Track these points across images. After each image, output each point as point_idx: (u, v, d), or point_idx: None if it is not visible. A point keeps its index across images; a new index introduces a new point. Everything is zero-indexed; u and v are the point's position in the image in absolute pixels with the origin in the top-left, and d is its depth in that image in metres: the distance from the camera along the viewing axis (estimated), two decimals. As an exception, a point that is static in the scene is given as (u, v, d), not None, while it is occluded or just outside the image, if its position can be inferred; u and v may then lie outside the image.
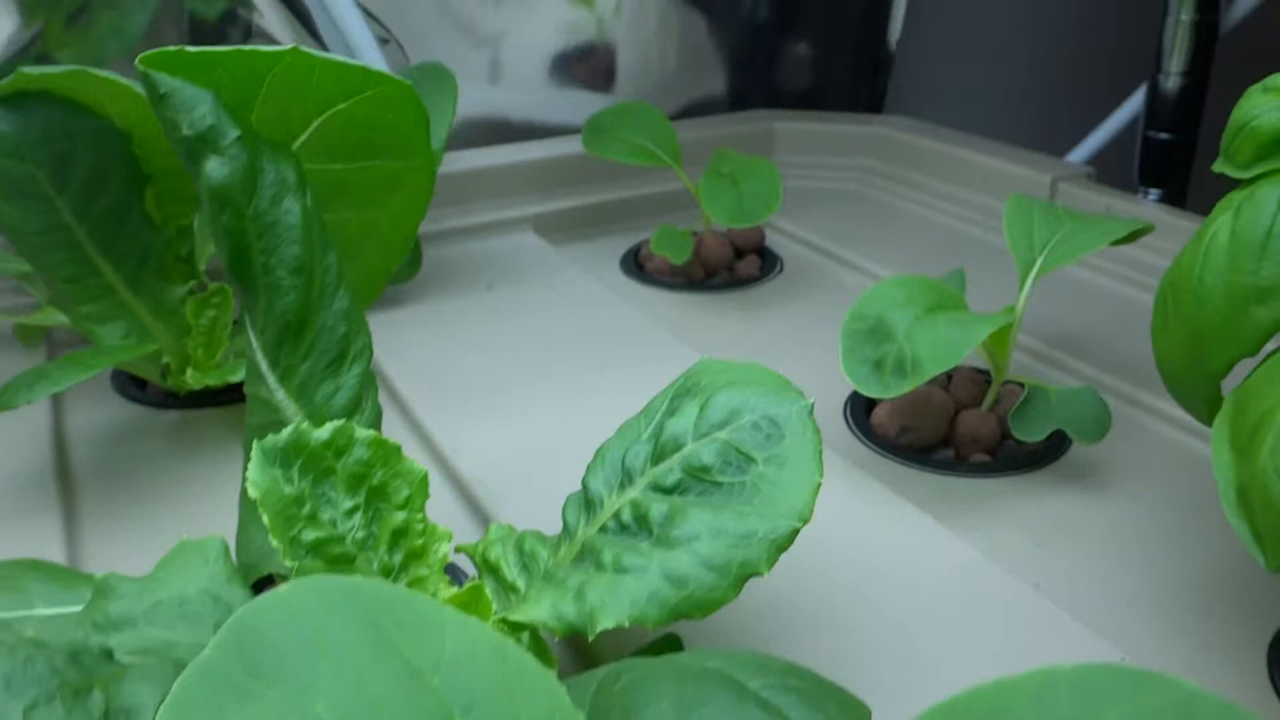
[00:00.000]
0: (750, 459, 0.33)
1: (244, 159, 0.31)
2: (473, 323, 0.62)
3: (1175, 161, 0.86)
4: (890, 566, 0.42)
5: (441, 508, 0.47)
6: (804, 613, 0.40)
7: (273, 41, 0.73)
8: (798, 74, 0.95)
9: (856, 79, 0.96)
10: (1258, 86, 0.38)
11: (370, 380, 0.37)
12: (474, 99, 0.83)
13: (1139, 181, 0.89)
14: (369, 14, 0.75)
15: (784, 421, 0.34)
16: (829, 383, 0.56)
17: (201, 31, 0.70)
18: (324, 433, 0.33)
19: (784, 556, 0.31)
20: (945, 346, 0.44)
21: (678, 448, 0.34)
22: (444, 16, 0.80)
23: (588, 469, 0.36)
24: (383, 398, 0.55)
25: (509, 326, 0.62)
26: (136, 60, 0.31)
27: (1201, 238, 0.37)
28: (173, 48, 0.32)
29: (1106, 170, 0.84)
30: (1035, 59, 1.07)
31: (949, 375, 0.54)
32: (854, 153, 0.86)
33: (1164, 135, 0.85)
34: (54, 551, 0.43)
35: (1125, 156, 0.91)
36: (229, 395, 0.55)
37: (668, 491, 0.34)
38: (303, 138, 0.35)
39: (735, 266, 0.71)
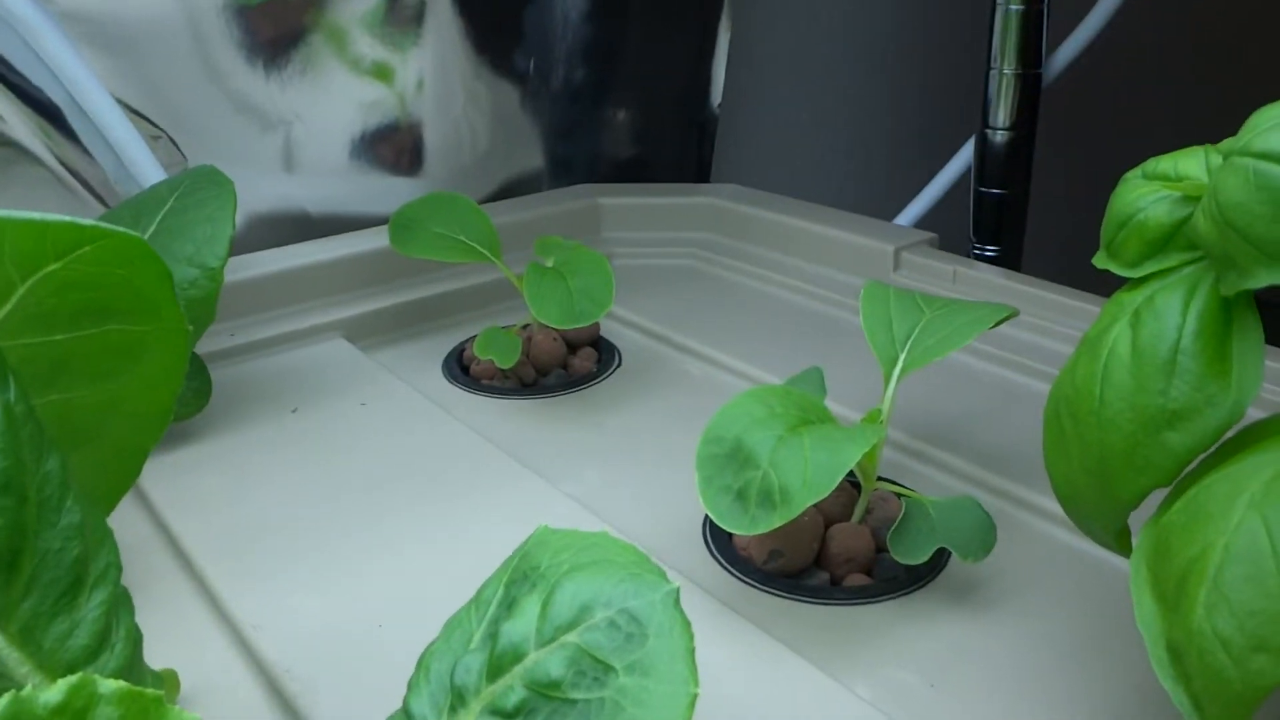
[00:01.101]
0: (608, 667, 0.27)
1: (-91, 358, 0.24)
2: (274, 458, 0.54)
3: (1009, 217, 0.84)
4: (776, 739, 0.36)
5: (244, 705, 0.39)
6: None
7: (20, 150, 0.63)
8: (620, 142, 0.90)
9: (681, 145, 0.91)
10: (1136, 173, 0.34)
11: (120, 603, 0.29)
12: (267, 192, 0.75)
13: (973, 238, 0.87)
14: (134, 111, 0.67)
15: (646, 616, 0.28)
16: (685, 495, 0.51)
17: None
18: (55, 694, 0.25)
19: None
20: (816, 472, 0.39)
21: (518, 658, 0.28)
22: (226, 104, 0.71)
23: (410, 684, 0.29)
24: (172, 565, 0.47)
25: (318, 459, 0.54)
26: None
27: (1097, 350, 0.32)
28: None
29: (939, 226, 0.82)
30: (859, 116, 1.06)
31: (815, 485, 0.49)
32: (685, 226, 0.82)
33: (995, 190, 0.84)
34: None
35: (959, 212, 0.89)
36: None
37: (509, 716, 0.27)
38: (3, 310, 0.27)
39: (569, 363, 0.65)
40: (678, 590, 0.28)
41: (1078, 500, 0.34)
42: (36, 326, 0.29)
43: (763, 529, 0.39)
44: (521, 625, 0.28)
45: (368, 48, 0.75)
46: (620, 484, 0.53)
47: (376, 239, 0.70)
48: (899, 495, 0.46)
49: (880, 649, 0.41)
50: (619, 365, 0.65)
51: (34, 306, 0.28)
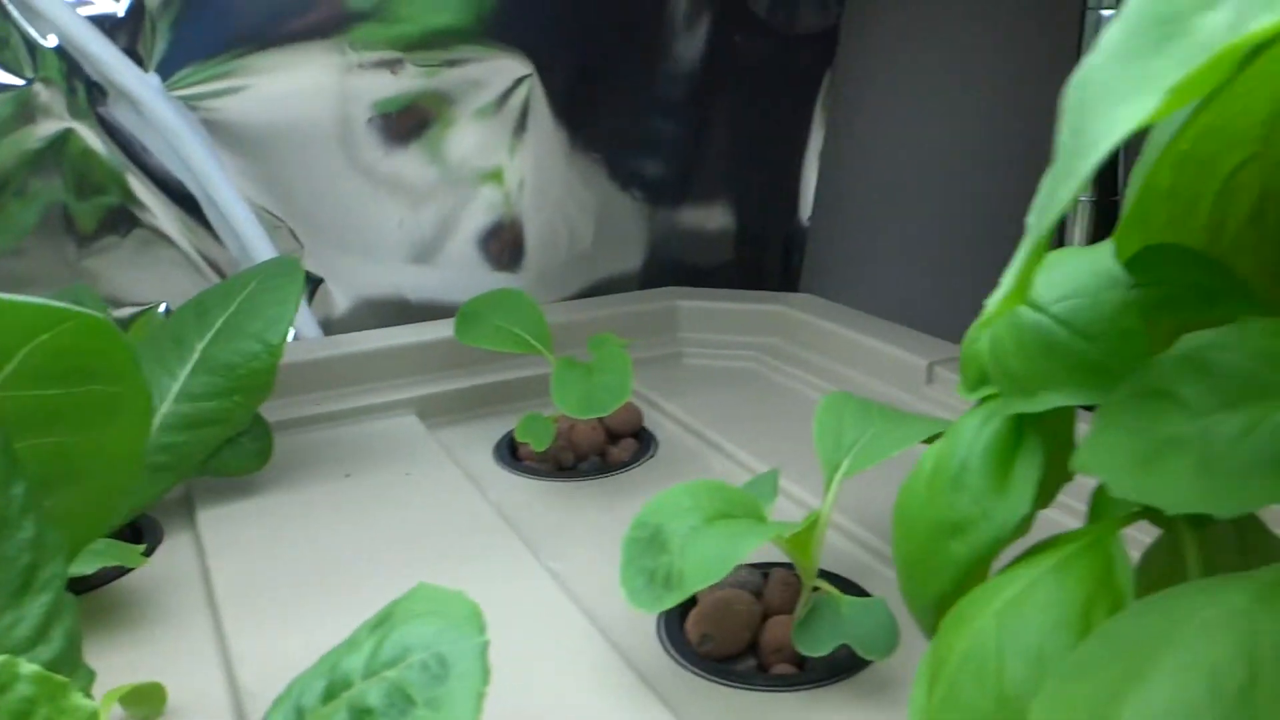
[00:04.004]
0: (412, 700, 0.32)
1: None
2: (315, 516, 0.61)
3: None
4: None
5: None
6: None
7: (160, 235, 0.75)
8: (710, 250, 0.96)
9: (770, 255, 0.96)
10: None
11: (63, 608, 0.36)
12: (373, 279, 0.84)
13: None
14: (265, 209, 0.77)
15: (453, 661, 0.32)
16: (658, 582, 0.55)
17: (84, 231, 0.73)
18: (-19, 670, 0.32)
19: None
20: (712, 559, 0.43)
21: (347, 686, 0.33)
22: (345, 198, 0.81)
23: (274, 703, 0.35)
24: (200, 601, 0.54)
25: (353, 520, 0.61)
26: None
27: (917, 465, 0.35)
28: None
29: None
30: (946, 235, 1.07)
31: (764, 578, 0.52)
32: (755, 332, 0.86)
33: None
34: None
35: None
36: None
37: (335, 735, 0.32)
38: (9, 368, 0.35)
39: (608, 451, 0.70)
40: (486, 643, 0.33)
41: (908, 603, 0.37)
42: (36, 382, 0.37)
43: (660, 608, 0.43)
44: (356, 660, 0.33)
45: (474, 151, 0.84)
46: (604, 566, 0.57)
47: (451, 328, 0.78)
48: (828, 592, 0.49)
49: (778, 734, 0.44)
50: (651, 456, 0.70)
51: (34, 366, 0.36)
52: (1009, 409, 0.32)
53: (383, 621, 0.35)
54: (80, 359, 0.37)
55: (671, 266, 0.95)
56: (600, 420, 0.71)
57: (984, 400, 0.36)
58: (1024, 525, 0.33)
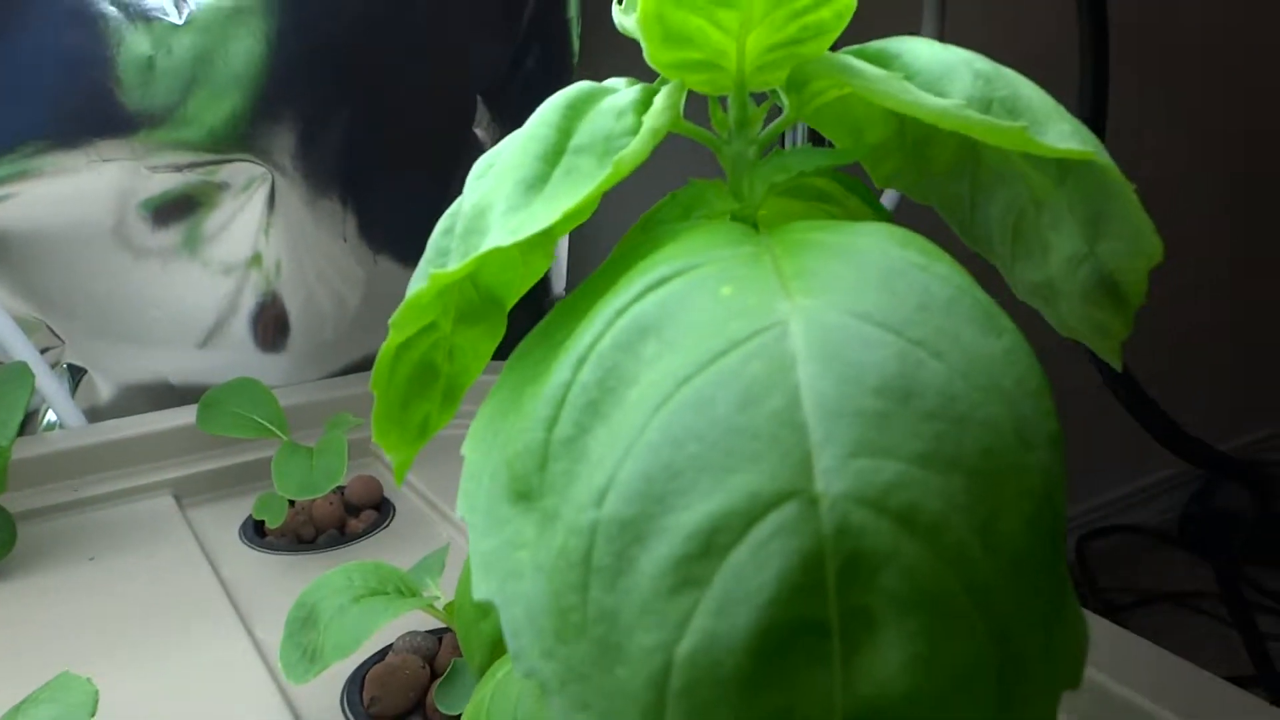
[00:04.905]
0: (25, 781, 0.38)
1: None
2: (51, 601, 0.66)
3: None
4: None
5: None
6: None
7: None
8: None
9: (527, 327, 1.03)
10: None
11: None
12: (140, 366, 0.89)
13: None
14: (30, 313, 0.83)
15: (58, 744, 0.39)
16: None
17: None
18: None
19: None
20: (348, 635, 0.49)
21: (-27, 770, 0.39)
22: (106, 291, 0.86)
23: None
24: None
25: (84, 604, 0.66)
26: None
27: (466, 554, 0.43)
28: None
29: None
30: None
31: (439, 642, 0.59)
32: (505, 400, 0.93)
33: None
34: None
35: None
36: None
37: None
38: None
39: (349, 523, 0.77)
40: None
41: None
42: None
43: (307, 680, 0.49)
44: (-17, 744, 0.39)
45: (231, 238, 0.89)
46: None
47: (214, 411, 0.83)
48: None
49: (421, 783, 0.51)
50: (386, 527, 0.76)
51: None
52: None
53: (19, 708, 0.41)
54: None
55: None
56: (340, 494, 0.78)
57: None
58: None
